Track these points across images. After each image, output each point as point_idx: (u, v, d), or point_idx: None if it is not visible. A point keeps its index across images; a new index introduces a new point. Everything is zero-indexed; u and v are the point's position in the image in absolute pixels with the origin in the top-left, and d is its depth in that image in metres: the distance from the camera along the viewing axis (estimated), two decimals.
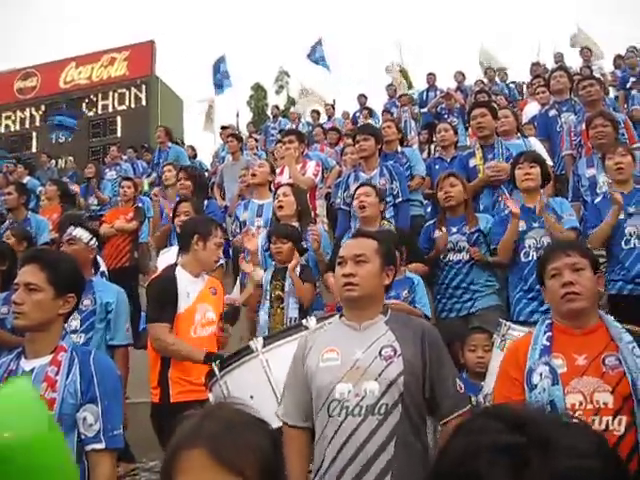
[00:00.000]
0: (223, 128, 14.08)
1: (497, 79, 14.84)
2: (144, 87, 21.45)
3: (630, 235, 4.67)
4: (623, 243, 4.68)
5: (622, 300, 4.61)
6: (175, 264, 4.36)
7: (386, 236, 4.82)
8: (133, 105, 21.55)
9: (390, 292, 4.65)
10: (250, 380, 3.48)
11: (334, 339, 2.82)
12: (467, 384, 4.00)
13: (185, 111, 22.79)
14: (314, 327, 3.28)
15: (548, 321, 2.80)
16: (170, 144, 10.86)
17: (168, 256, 5.23)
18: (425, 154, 10.55)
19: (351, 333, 2.81)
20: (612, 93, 12.25)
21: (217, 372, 3.53)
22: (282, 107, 22.06)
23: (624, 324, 3.68)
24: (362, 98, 15.50)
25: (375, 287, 2.86)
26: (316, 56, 18.01)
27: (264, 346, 3.52)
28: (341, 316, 2.93)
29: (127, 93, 21.60)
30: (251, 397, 3.28)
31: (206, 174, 11.64)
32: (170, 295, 4.11)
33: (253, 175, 6.66)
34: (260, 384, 3.43)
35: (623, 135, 6.30)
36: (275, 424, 2.79)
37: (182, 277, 4.21)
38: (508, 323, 3.72)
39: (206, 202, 7.19)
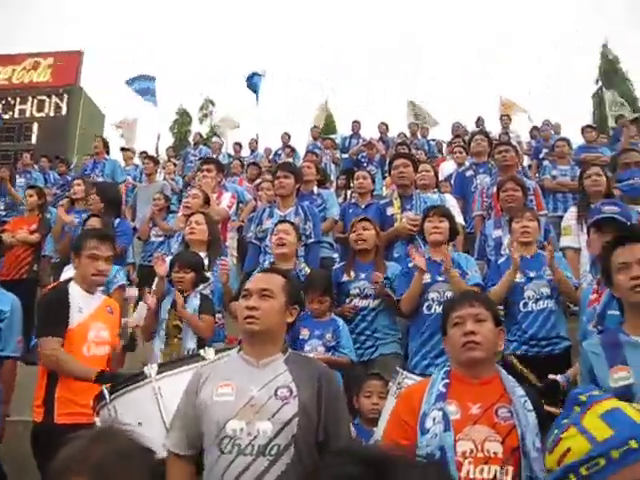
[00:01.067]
0: (142, 153, 13.82)
1: (419, 134, 15.21)
2: (66, 96, 21.07)
3: (529, 298, 4.80)
4: (521, 305, 4.81)
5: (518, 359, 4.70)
6: (70, 278, 4.25)
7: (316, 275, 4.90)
8: (52, 113, 21.10)
9: (314, 332, 4.78)
10: (140, 406, 3.37)
11: (230, 373, 2.79)
12: (359, 430, 4.07)
13: (106, 126, 22.30)
14: (212, 359, 3.24)
15: (446, 368, 2.83)
16: (107, 156, 10.71)
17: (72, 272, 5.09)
18: (341, 199, 10.70)
19: (248, 369, 2.79)
20: (526, 162, 12.77)
21: (107, 395, 3.40)
22: (205, 135, 21.87)
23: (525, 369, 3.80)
24: (285, 136, 15.56)
25: (277, 323, 2.86)
26: (252, 82, 17.91)
27: (158, 373, 3.42)
28: (240, 350, 2.90)
29: (47, 100, 21.13)
30: (139, 424, 3.17)
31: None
32: (61, 307, 3.99)
33: (186, 207, 6.57)
34: (149, 411, 3.32)
35: (532, 202, 6.54)
36: (161, 453, 2.77)
37: (75, 291, 4.11)
38: (405, 372, 3.74)
39: (117, 221, 7.05)
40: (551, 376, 3.75)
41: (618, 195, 5.20)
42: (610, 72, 23.34)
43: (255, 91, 17.80)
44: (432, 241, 5.06)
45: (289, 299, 2.92)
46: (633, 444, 1.30)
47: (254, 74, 17.84)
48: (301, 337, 4.80)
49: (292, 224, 5.55)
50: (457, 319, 2.80)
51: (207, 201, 6.64)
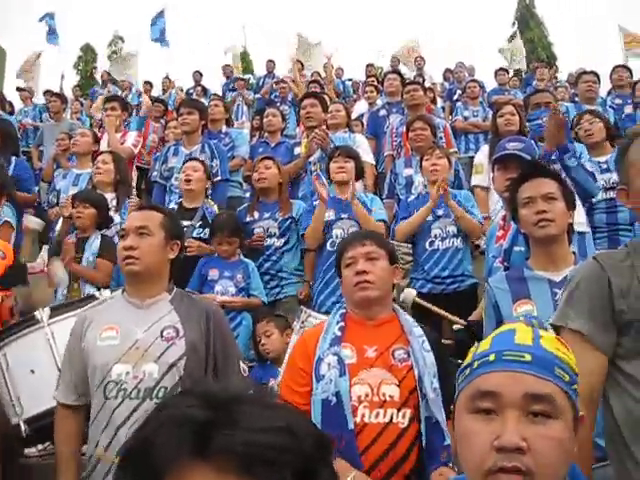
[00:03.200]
0: (47, 92, 13.11)
1: (334, 74, 14.99)
2: None
3: (435, 237, 4.79)
4: (427, 244, 4.80)
5: (423, 297, 4.71)
6: None
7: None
8: None
9: (224, 272, 4.72)
10: (32, 353, 3.28)
11: (114, 316, 2.71)
12: (268, 370, 4.15)
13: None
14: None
15: (342, 311, 2.75)
16: None
17: None
18: (255, 139, 10.49)
19: (133, 311, 2.72)
20: (440, 103, 12.79)
21: None
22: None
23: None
24: (197, 75, 15.18)
25: (157, 261, 2.77)
26: (156, 32, 17.17)
27: (50, 317, 3.32)
28: (124, 291, 2.81)
29: None
30: (32, 372, 3.16)
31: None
32: None
33: (74, 144, 6.37)
34: (42, 358, 3.24)
35: (441, 139, 6.50)
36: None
37: None
38: (308, 310, 3.69)
39: (14, 160, 6.63)
40: (456, 326, 3.73)
41: (529, 135, 5.20)
42: (526, 16, 23.62)
43: (162, 40, 17.11)
44: (337, 181, 4.98)
45: (169, 235, 2.81)
46: (492, 357, 1.28)
47: (154, 20, 17.11)
48: (210, 278, 4.73)
49: (200, 161, 5.42)
50: (349, 259, 2.73)
51: (97, 140, 6.43)
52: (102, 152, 5.67)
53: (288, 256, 5.13)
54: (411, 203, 5.04)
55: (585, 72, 7.51)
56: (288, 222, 5.14)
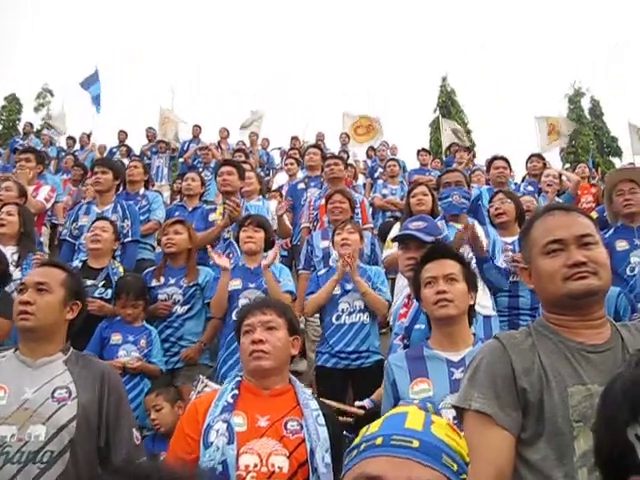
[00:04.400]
0: None
1: (259, 144, 15.16)
2: None
3: (342, 311, 4.77)
4: (334, 318, 4.77)
5: (327, 372, 4.70)
6: None
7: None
8: None
9: (127, 337, 4.58)
10: None
11: (3, 375, 2.57)
12: (160, 441, 4.03)
13: None
14: None
15: (238, 379, 2.70)
16: None
17: None
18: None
19: (24, 370, 2.59)
20: (361, 180, 13.03)
21: None
22: (38, 126, 20.66)
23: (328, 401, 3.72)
24: (122, 134, 15.09)
25: (54, 320, 2.69)
26: (90, 91, 17.06)
27: None
28: (16, 350, 2.68)
29: None
30: None
31: None
32: None
33: None
34: None
35: (358, 215, 6.58)
36: None
37: None
38: (205, 380, 3.56)
39: None
40: (358, 403, 3.70)
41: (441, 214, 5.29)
42: (447, 103, 24.61)
43: (97, 103, 17.02)
44: (246, 250, 4.95)
45: (69, 294, 2.74)
46: (379, 440, 1.28)
47: (88, 81, 17.01)
48: (113, 342, 4.58)
49: (110, 221, 5.33)
50: (247, 327, 2.71)
51: (23, 194, 6.17)
52: (7, 203, 5.44)
53: (190, 323, 5.01)
54: (321, 277, 5.03)
55: (496, 158, 7.75)
56: (193, 289, 5.06)
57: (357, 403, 3.77)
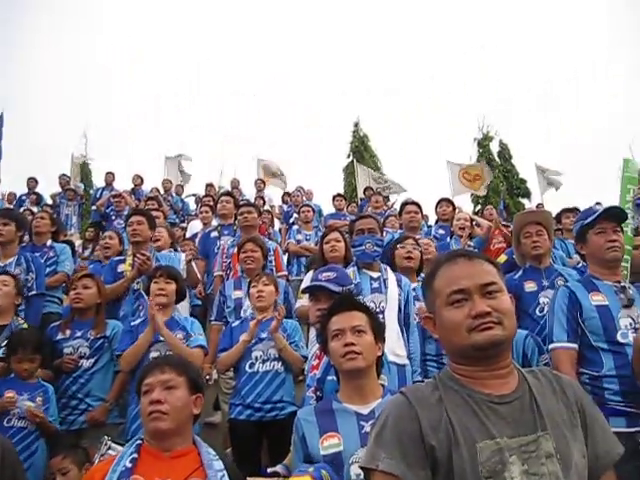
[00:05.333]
0: None
1: (173, 191, 15.01)
2: None
3: (255, 359, 4.70)
4: (247, 366, 4.69)
5: (240, 424, 4.60)
6: None
7: None
8: None
9: (22, 394, 4.33)
10: None
11: None
12: None
13: None
14: None
15: (138, 441, 2.62)
16: None
17: None
18: (88, 252, 10.16)
19: None
20: (277, 225, 13.06)
21: None
22: None
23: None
24: (32, 182, 14.67)
25: None
26: None
27: None
28: None
29: None
30: None
31: None
32: None
33: None
34: None
35: (271, 262, 6.56)
36: None
37: None
38: (109, 442, 3.42)
39: None
40: (270, 469, 3.63)
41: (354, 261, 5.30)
42: (360, 148, 24.99)
43: None
44: (156, 303, 4.80)
45: None
46: None
47: None
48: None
49: (12, 275, 5.16)
50: (146, 387, 2.65)
51: None
52: None
53: (98, 377, 4.84)
54: (235, 329, 4.95)
55: (408, 202, 7.88)
56: (100, 342, 4.91)
57: (269, 470, 3.70)
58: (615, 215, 3.91)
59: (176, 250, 6.88)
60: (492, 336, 1.81)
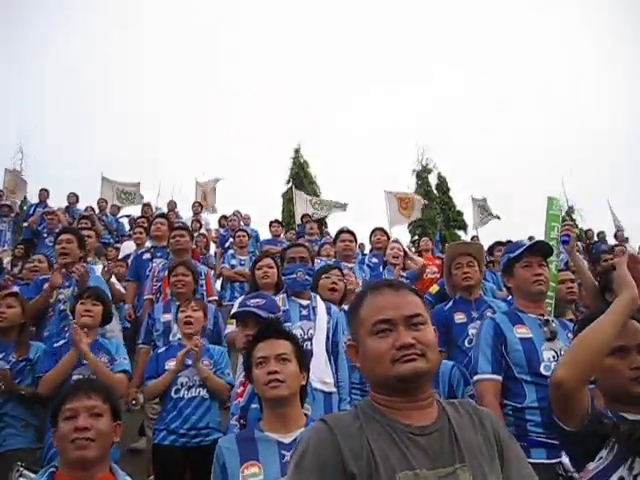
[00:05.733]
0: None
1: (108, 211, 14.80)
2: None
3: (181, 385, 4.67)
4: (173, 392, 4.64)
5: (164, 450, 4.54)
6: None
7: None
8: None
9: None
10: None
11: None
12: None
13: None
14: None
15: (52, 469, 2.56)
16: None
17: None
18: (17, 269, 9.91)
19: None
20: (213, 249, 12.99)
21: None
22: None
23: None
24: None
25: None
26: None
27: None
28: None
29: None
30: None
31: None
32: None
33: None
34: None
35: (202, 287, 6.51)
36: None
37: None
38: (22, 468, 3.32)
39: None
40: None
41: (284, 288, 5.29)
42: (300, 174, 25.11)
43: None
44: (81, 324, 4.71)
45: None
46: None
47: None
48: None
49: None
50: (68, 412, 2.59)
51: None
52: None
53: (13, 403, 4.61)
54: (160, 355, 4.91)
55: (342, 231, 7.92)
56: (22, 364, 4.75)
57: None
58: (541, 249, 4.01)
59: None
60: (415, 368, 1.81)
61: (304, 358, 3.11)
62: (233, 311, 4.38)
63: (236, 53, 60.70)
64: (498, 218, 18.74)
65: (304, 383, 3.07)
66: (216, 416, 4.74)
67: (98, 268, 6.40)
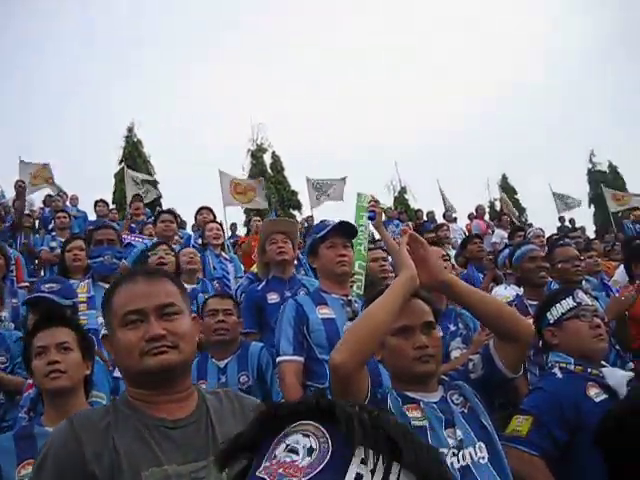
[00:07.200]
0: None
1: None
2: None
3: None
4: None
5: None
6: None
7: None
8: None
9: None
10: None
11: None
12: None
13: None
14: None
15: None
16: None
17: None
18: None
19: None
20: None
21: None
22: None
23: None
24: None
25: None
26: None
27: None
28: None
29: None
30: None
31: None
32: None
33: None
34: None
35: (12, 272, 6.31)
36: None
37: None
38: None
39: None
40: None
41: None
42: (134, 154, 24.39)
43: None
44: None
45: None
46: None
47: None
48: None
49: None
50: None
51: None
52: None
53: None
54: None
55: (163, 211, 7.96)
56: None
57: None
58: (346, 231, 4.02)
59: None
60: (164, 360, 1.76)
61: (88, 346, 2.96)
62: (27, 297, 4.21)
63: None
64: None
65: (88, 372, 2.92)
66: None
67: None
